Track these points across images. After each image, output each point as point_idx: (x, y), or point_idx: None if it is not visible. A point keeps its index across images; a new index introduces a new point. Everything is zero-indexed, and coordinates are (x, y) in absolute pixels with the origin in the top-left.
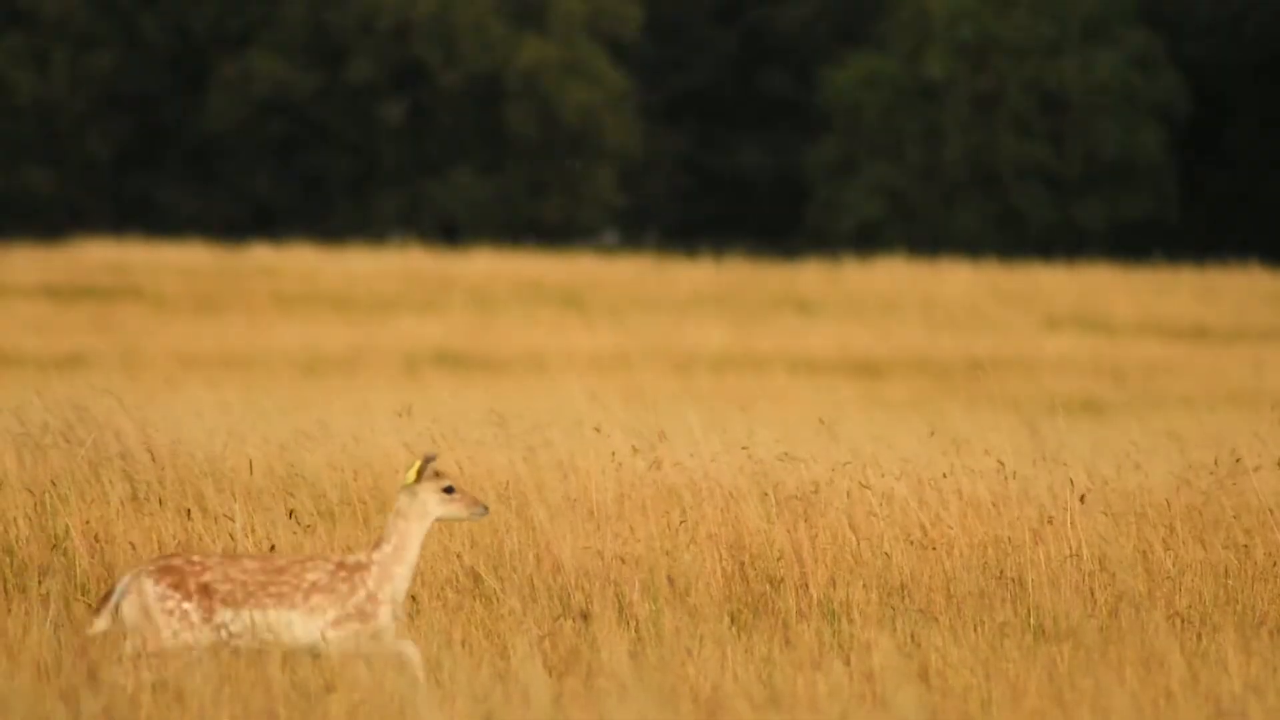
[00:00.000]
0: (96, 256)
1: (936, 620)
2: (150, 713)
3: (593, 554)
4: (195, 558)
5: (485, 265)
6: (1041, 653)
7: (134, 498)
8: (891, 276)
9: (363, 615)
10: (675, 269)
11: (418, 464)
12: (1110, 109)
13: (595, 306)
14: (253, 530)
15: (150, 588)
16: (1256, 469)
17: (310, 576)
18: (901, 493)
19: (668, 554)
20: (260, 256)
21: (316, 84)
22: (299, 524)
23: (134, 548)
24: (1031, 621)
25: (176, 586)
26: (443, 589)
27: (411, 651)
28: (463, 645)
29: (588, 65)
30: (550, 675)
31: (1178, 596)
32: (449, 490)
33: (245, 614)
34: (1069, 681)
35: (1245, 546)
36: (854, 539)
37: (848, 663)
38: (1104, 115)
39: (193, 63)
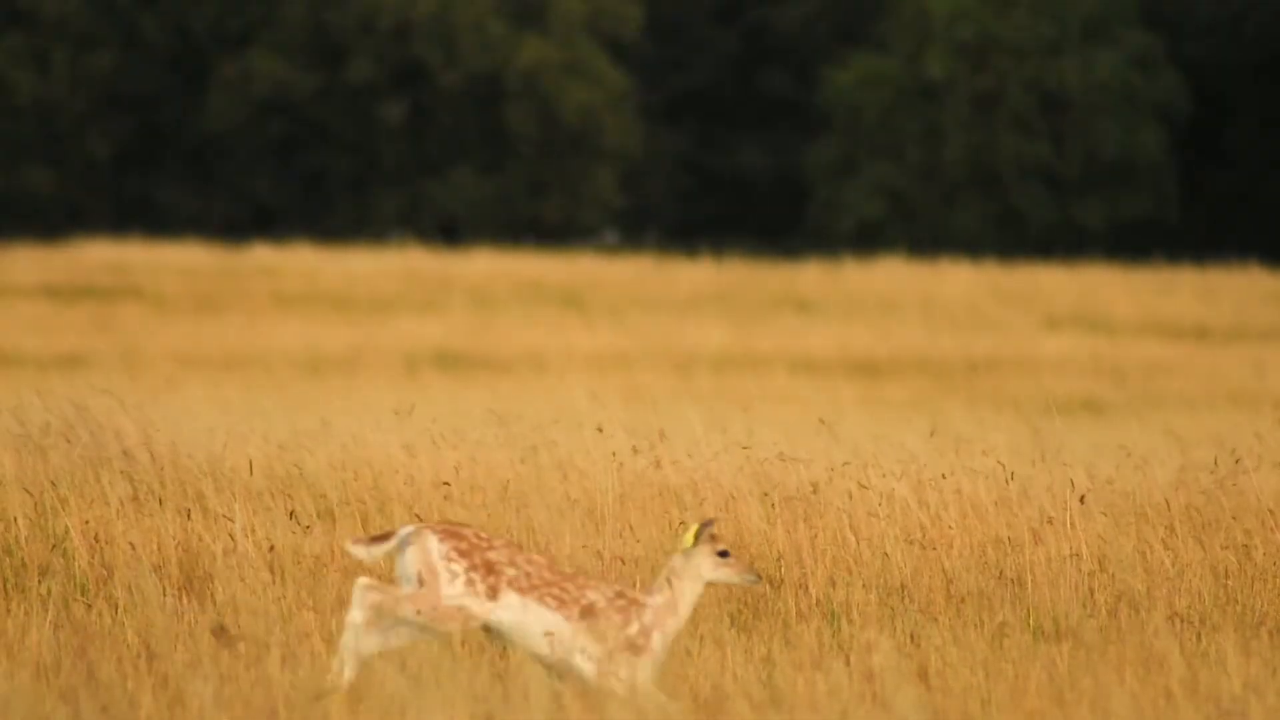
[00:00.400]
0: (96, 256)
1: (936, 620)
2: (150, 713)
3: (593, 554)
4: (482, 533)
5: (485, 265)
6: (1041, 653)
7: (134, 498)
8: (891, 276)
9: (634, 648)
10: (675, 269)
11: (695, 527)
12: (1110, 109)
13: (595, 306)
14: (253, 530)
15: (435, 544)
16: (1257, 469)
17: (590, 595)
18: (901, 493)
19: (668, 554)
20: (260, 256)
21: (316, 84)
22: (299, 524)
23: (134, 548)
24: (1031, 621)
25: (463, 554)
26: None
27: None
28: (463, 645)
29: (588, 65)
30: (550, 675)
31: (1178, 596)
32: (723, 554)
33: (529, 605)
34: (1069, 681)
35: (1245, 546)
36: (854, 539)
37: (848, 663)
38: (1104, 115)
39: (193, 63)
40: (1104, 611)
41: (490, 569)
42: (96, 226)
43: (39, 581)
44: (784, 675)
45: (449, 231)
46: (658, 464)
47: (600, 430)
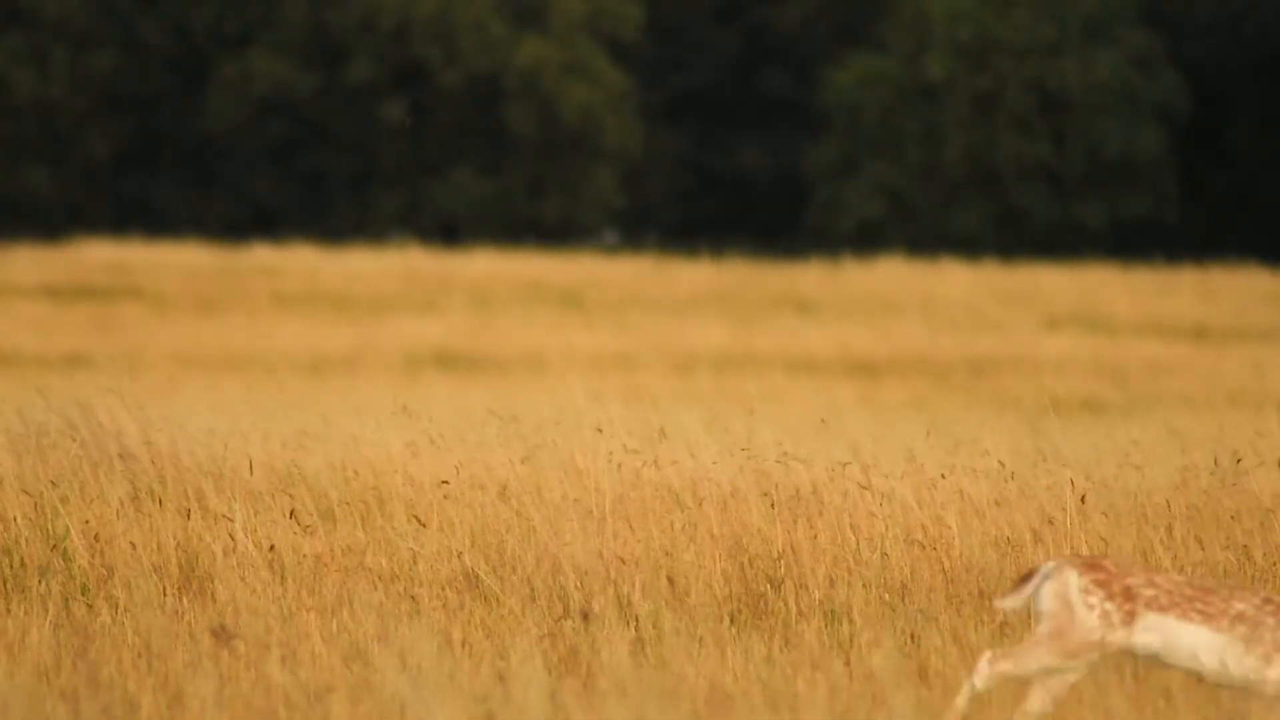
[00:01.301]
0: (96, 256)
1: (936, 620)
2: (150, 713)
3: (593, 554)
4: (1121, 561)
5: (485, 265)
6: None
7: (134, 498)
8: (891, 276)
9: None
10: (675, 269)
11: None
12: (1110, 109)
13: (595, 306)
14: (253, 530)
15: (1074, 579)
16: (1257, 469)
17: (1238, 605)
18: (901, 493)
19: (668, 554)
20: (260, 256)
21: (316, 84)
22: (299, 524)
23: (134, 548)
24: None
25: (1101, 584)
26: (443, 589)
27: None
28: (463, 645)
29: (588, 65)
30: (550, 675)
31: None
32: None
33: (1169, 621)
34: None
35: (1245, 547)
36: (854, 539)
37: (848, 663)
38: (1104, 115)
39: (193, 63)
40: None
41: (1128, 595)
42: (96, 226)
43: (39, 581)
44: (784, 675)
45: (449, 231)
46: (657, 464)
47: (600, 430)
